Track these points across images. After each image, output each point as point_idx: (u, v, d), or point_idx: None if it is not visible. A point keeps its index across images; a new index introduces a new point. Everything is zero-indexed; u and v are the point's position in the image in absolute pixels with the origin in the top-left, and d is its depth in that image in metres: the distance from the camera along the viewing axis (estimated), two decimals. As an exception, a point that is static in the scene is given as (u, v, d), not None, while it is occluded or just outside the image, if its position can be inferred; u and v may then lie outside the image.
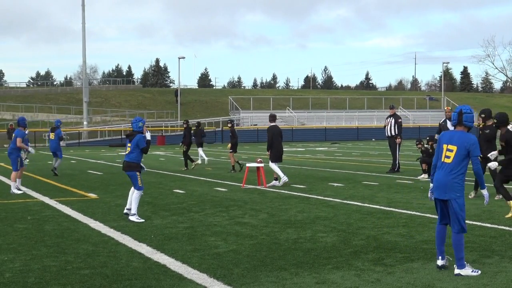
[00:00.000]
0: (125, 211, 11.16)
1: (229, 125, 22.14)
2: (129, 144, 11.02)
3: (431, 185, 6.91)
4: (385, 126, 20.80)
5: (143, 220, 10.61)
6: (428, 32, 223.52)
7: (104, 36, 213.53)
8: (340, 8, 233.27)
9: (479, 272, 6.58)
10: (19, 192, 15.15)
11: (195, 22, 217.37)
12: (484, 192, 6.95)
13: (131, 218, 10.68)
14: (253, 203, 12.68)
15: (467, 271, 6.56)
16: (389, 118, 20.61)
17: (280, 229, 9.57)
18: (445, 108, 17.08)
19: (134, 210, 10.74)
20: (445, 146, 6.69)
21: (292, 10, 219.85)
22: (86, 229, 9.91)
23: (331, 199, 13.29)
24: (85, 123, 56.40)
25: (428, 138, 18.53)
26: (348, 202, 12.68)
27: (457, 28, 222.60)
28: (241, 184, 16.26)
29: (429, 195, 7.08)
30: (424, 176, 17.66)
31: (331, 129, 61.72)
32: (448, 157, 6.64)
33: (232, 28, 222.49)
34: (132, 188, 11.04)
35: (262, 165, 16.52)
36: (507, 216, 10.34)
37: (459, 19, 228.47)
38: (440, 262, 6.79)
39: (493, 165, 11.51)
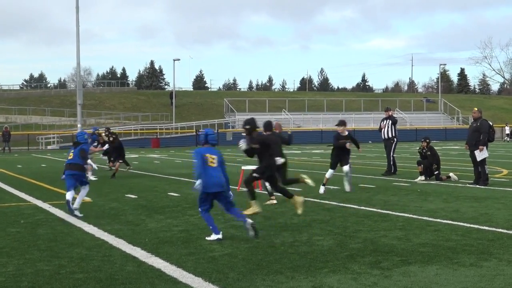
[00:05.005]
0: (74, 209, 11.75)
1: (111, 138, 21.04)
2: (72, 151, 12.11)
3: (198, 182, 8.93)
4: (380, 129, 20.77)
5: (82, 215, 11.31)
6: (432, 33, 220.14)
7: (105, 38, 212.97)
8: (346, 9, 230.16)
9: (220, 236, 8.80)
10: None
11: (198, 24, 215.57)
12: (197, 185, 8.97)
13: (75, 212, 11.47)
14: (249, 206, 12.56)
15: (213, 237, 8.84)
16: (385, 121, 20.59)
17: (276, 232, 9.50)
18: (474, 109, 16.79)
19: (77, 204, 11.61)
20: (208, 156, 9.12)
21: (297, 11, 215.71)
22: (79, 232, 9.82)
23: (327, 202, 13.24)
24: (79, 125, 55.92)
25: (424, 140, 18.47)
26: (344, 205, 12.63)
27: (460, 30, 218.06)
28: (237, 187, 16.18)
29: (196, 188, 9.02)
30: (421, 178, 17.62)
31: (328, 131, 61.45)
32: (213, 162, 9.13)
33: (236, 30, 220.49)
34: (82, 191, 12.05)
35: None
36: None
37: (464, 20, 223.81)
38: (221, 236, 8.84)
39: None
